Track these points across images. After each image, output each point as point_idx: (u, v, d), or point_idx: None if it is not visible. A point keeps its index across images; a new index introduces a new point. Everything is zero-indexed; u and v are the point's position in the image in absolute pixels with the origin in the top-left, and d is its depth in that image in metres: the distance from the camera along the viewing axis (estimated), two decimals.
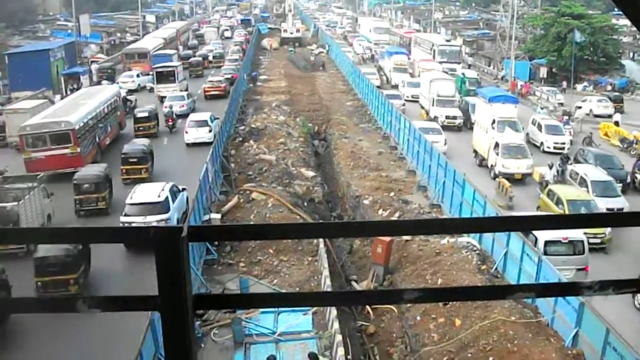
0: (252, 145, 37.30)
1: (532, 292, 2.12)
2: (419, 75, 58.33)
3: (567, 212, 25.34)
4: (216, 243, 25.75)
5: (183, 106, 44.84)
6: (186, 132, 38.92)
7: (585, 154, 35.47)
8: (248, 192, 29.39)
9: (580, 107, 49.24)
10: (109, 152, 36.29)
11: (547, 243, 22.57)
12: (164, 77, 51.19)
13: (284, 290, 22.00)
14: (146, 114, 40.35)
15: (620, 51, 65.32)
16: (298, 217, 27.17)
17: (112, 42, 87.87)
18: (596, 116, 49.29)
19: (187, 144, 38.68)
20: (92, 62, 65.88)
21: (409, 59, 67.23)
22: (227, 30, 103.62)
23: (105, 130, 37.46)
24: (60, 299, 2.09)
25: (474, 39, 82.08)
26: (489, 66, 73.06)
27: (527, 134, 40.48)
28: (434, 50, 68.08)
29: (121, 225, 22.77)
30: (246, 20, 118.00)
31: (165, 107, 42.94)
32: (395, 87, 58.77)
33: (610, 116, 47.91)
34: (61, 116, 33.87)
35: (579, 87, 59.80)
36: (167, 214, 24.80)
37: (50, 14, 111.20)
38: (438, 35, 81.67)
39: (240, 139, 38.98)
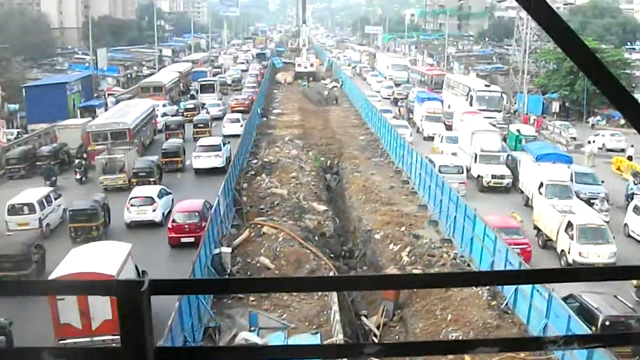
0: (264, 179, 37.29)
1: (495, 346, 2.13)
2: (455, 127, 50.43)
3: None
4: (227, 272, 25.46)
5: (220, 110, 57.74)
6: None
7: None
8: (259, 226, 29.39)
9: (592, 142, 49.10)
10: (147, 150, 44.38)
11: (440, 167, 35.82)
12: (206, 88, 67.81)
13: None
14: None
15: (634, 85, 65.24)
16: (308, 251, 27.13)
17: (129, 76, 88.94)
18: (609, 150, 49.11)
19: (197, 171, 38.91)
20: (108, 94, 66.52)
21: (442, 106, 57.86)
22: (243, 63, 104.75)
23: (146, 133, 46.39)
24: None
25: (487, 73, 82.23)
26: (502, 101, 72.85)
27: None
28: (472, 97, 57.02)
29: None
30: (261, 54, 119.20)
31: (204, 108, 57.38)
32: (429, 139, 50.18)
33: (623, 150, 47.66)
34: (119, 118, 42.67)
35: (592, 120, 59.87)
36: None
37: (68, 47, 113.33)
38: (475, 79, 71.68)
39: (253, 172, 38.99)
